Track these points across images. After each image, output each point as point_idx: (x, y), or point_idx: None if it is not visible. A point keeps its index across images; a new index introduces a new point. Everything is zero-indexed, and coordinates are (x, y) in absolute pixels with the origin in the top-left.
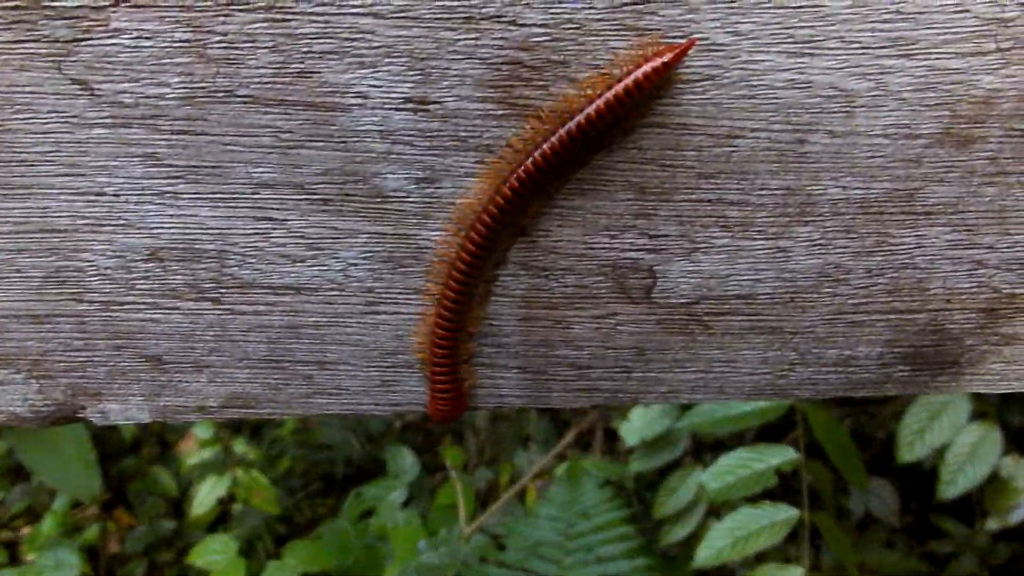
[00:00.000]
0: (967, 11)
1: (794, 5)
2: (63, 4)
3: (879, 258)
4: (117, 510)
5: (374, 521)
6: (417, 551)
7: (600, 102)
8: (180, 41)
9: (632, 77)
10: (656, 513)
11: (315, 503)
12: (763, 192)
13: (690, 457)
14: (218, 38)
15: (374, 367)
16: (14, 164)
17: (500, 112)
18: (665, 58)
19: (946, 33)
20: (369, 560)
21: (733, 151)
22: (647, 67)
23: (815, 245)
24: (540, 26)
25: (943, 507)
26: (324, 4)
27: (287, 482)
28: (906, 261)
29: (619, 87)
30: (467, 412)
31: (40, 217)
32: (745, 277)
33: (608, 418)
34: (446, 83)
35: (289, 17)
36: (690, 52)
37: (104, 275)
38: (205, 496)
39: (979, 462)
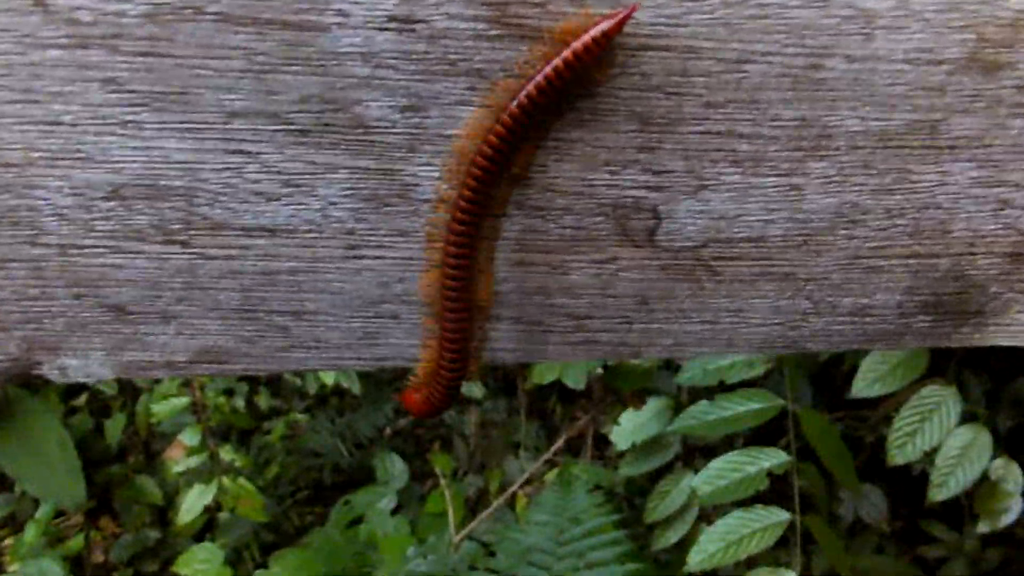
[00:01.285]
0: None
1: None
2: None
3: (899, 197)
4: (102, 519)
5: (363, 529)
6: (406, 559)
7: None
8: None
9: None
10: (647, 518)
11: (303, 511)
12: (775, 123)
13: (680, 462)
14: None
15: (356, 318)
16: None
17: (493, 32)
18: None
19: None
20: (358, 568)
21: (743, 77)
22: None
23: (831, 182)
24: None
25: (933, 512)
26: None
27: (275, 490)
28: (928, 200)
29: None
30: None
31: None
32: (756, 218)
33: (598, 423)
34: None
35: None
36: None
37: (61, 215)
38: (192, 504)
39: (970, 465)
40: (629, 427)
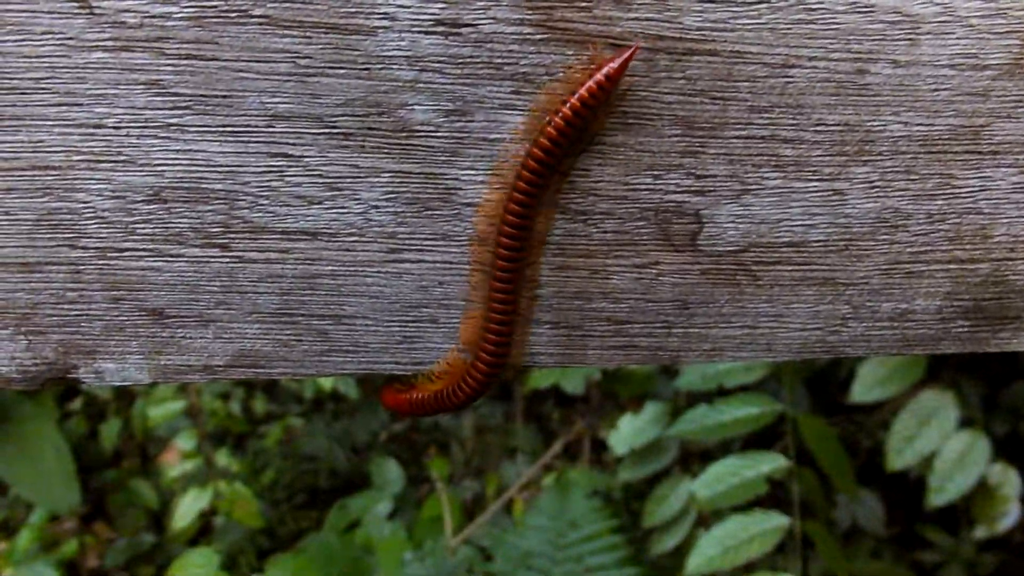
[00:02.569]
0: None
1: None
2: None
3: (940, 202)
4: (96, 523)
5: (359, 533)
6: (403, 563)
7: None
8: None
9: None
10: (645, 522)
11: (299, 516)
12: (819, 128)
13: (678, 467)
14: None
15: (395, 321)
16: (4, 92)
17: (539, 37)
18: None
19: None
20: (354, 573)
21: (789, 82)
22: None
23: (873, 187)
24: None
25: (929, 517)
26: None
27: (271, 494)
28: (969, 205)
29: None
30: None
31: (32, 152)
32: (798, 222)
33: (596, 428)
34: (481, 3)
35: None
36: None
37: (101, 218)
38: (187, 509)
39: (967, 470)
40: (627, 432)
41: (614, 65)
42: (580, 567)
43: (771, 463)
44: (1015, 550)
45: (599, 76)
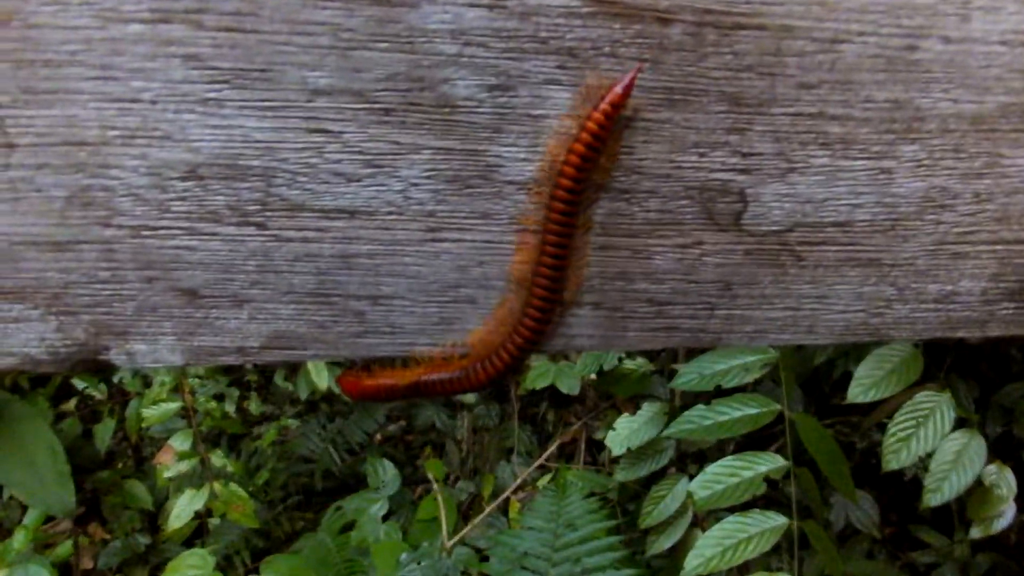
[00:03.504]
0: None
1: None
2: None
3: (988, 181)
4: (90, 524)
5: (354, 534)
6: (399, 564)
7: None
8: None
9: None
10: (641, 523)
11: (294, 516)
12: (868, 105)
13: (674, 467)
14: None
15: (433, 302)
16: (38, 65)
17: (586, 10)
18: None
19: None
20: (350, 574)
21: (838, 58)
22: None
23: (920, 166)
24: None
25: (923, 518)
26: None
27: (265, 495)
28: (1017, 185)
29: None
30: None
31: (66, 127)
32: (844, 202)
33: (591, 429)
34: None
35: None
36: None
37: (136, 195)
38: (182, 509)
39: (964, 470)
40: (624, 432)
41: (618, 90)
42: (577, 568)
43: (769, 463)
44: (1009, 551)
45: (604, 106)
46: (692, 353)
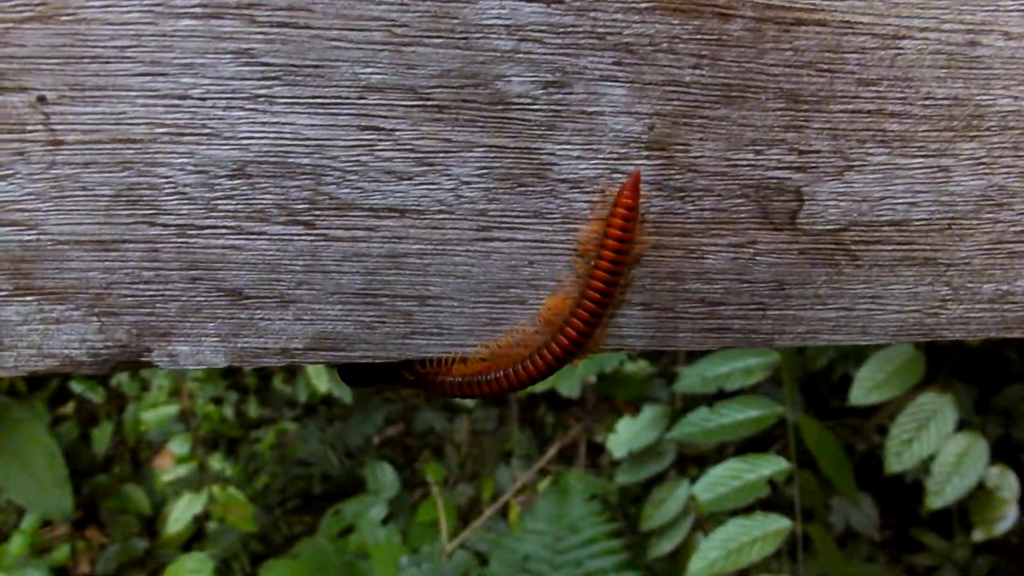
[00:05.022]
0: None
1: None
2: None
3: None
4: (88, 529)
5: (354, 538)
6: (399, 568)
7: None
8: None
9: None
10: (643, 526)
11: (293, 520)
12: (927, 102)
13: (674, 470)
14: None
15: (482, 303)
16: (87, 61)
17: (644, 5)
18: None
19: None
20: None
21: (898, 54)
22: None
23: (979, 164)
24: None
25: (923, 521)
26: None
27: (264, 499)
28: None
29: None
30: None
31: (113, 124)
32: (900, 200)
33: (592, 432)
34: None
35: None
36: None
37: (182, 194)
38: (181, 514)
39: (966, 472)
40: (626, 435)
41: (627, 196)
42: (580, 571)
43: (772, 466)
44: (1009, 553)
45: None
46: (693, 356)
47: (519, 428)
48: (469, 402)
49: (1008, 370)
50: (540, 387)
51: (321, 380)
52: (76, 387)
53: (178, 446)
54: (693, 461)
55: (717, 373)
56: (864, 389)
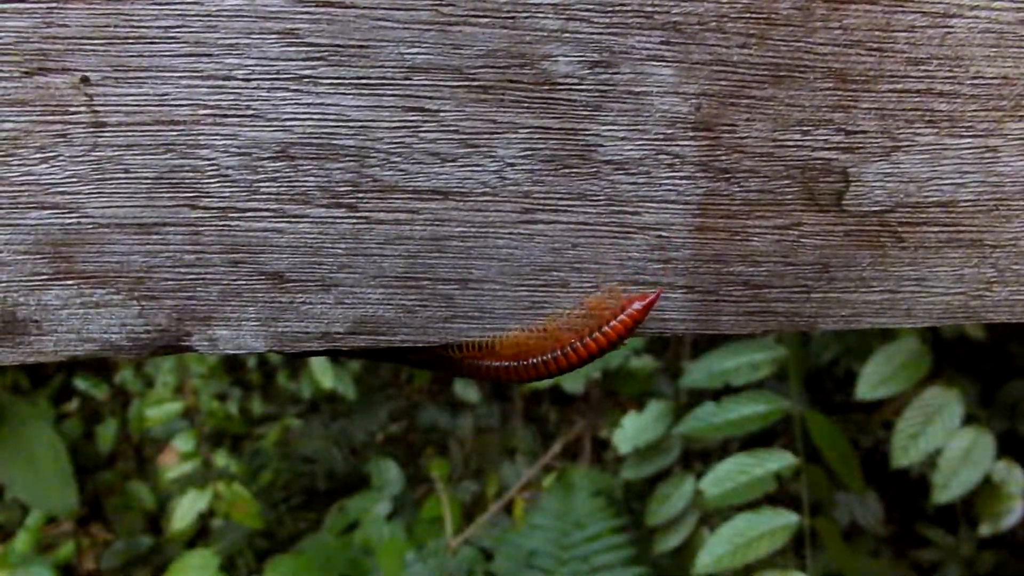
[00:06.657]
0: None
1: None
2: None
3: None
4: (93, 526)
5: (358, 535)
6: (405, 564)
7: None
8: None
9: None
10: (648, 522)
11: (297, 517)
12: (976, 81)
13: (679, 466)
14: None
15: (524, 286)
16: (131, 41)
17: None
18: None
19: None
20: (354, 574)
21: (948, 32)
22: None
23: None
24: None
25: (928, 516)
26: None
27: (269, 496)
28: None
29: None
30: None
31: (156, 106)
32: (948, 181)
33: (596, 428)
34: None
35: None
36: None
37: (225, 176)
38: (185, 510)
39: (972, 467)
40: (632, 430)
41: (637, 307)
42: (586, 567)
43: (780, 461)
44: (1014, 548)
45: (623, 318)
46: (698, 351)
47: (523, 424)
48: (473, 398)
49: (1013, 364)
50: (543, 383)
51: (325, 376)
52: (80, 384)
53: (182, 443)
54: (699, 456)
55: (723, 368)
56: (870, 384)
